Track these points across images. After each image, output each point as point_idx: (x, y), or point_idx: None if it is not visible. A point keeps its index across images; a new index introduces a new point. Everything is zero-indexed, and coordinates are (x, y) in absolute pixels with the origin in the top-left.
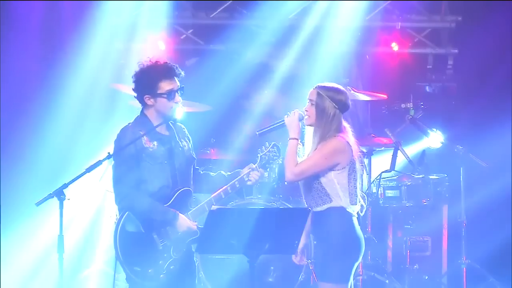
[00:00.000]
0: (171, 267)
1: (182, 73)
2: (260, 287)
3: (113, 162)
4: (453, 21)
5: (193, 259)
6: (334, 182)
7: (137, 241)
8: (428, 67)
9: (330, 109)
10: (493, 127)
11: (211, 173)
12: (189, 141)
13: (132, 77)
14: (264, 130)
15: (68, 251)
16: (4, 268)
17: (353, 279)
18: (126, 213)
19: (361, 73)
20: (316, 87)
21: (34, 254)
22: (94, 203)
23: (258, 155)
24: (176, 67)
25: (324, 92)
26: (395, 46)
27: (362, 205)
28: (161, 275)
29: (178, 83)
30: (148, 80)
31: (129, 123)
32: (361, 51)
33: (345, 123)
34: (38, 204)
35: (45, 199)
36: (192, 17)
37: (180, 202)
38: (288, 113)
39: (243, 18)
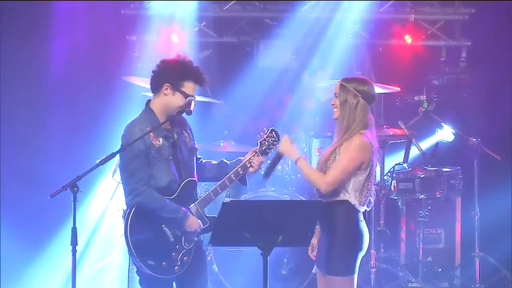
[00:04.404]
0: (185, 258)
1: (206, 88)
2: (273, 280)
3: (121, 158)
4: (466, 13)
5: (202, 247)
6: (350, 178)
7: (148, 234)
8: (441, 59)
9: (352, 98)
10: (506, 119)
11: (213, 161)
12: (191, 132)
13: (163, 60)
14: (269, 171)
15: (82, 244)
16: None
17: (367, 272)
18: (134, 207)
19: (374, 65)
20: (340, 80)
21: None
22: (107, 196)
23: (258, 141)
24: (206, 80)
25: (346, 83)
26: (408, 39)
27: (369, 200)
28: (176, 267)
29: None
30: (178, 72)
31: (135, 118)
32: (374, 44)
33: (372, 121)
34: (51, 196)
35: (59, 191)
36: (205, 9)
37: (186, 193)
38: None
39: (255, 11)
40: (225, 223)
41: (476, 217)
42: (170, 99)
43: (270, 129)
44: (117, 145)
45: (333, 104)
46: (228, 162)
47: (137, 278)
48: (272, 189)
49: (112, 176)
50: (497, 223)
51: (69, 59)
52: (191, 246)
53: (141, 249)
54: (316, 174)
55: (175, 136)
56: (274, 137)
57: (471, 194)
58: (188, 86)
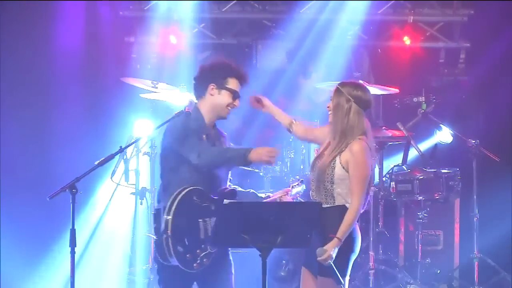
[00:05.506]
0: (204, 260)
1: (247, 83)
2: (272, 281)
3: (172, 135)
4: (465, 15)
5: (228, 258)
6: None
7: (188, 221)
8: (440, 60)
9: (344, 103)
10: (505, 120)
11: (239, 188)
12: None
13: (202, 66)
14: None
15: (82, 245)
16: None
17: (365, 273)
18: (187, 190)
19: (373, 66)
20: (337, 84)
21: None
22: (107, 198)
23: (291, 184)
24: (248, 77)
25: (341, 87)
26: (407, 40)
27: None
28: (195, 264)
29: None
30: (220, 71)
31: (183, 116)
32: (373, 45)
33: (368, 125)
34: (50, 197)
35: (57, 192)
36: (204, 11)
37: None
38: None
39: (254, 12)
40: (224, 225)
41: (475, 218)
42: (216, 99)
43: (300, 179)
44: (115, 146)
45: (328, 107)
46: (258, 194)
47: (136, 281)
48: (271, 190)
49: (111, 178)
50: (495, 225)
51: (68, 60)
52: (214, 251)
53: (177, 232)
54: (351, 218)
55: (217, 143)
56: (301, 187)
57: (469, 195)
58: (232, 82)
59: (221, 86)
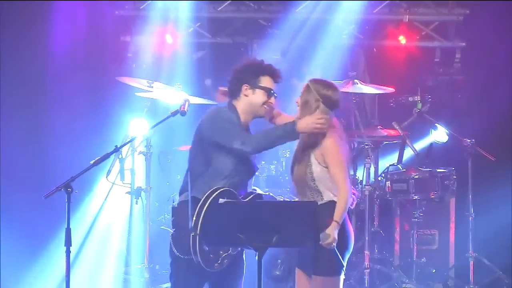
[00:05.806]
0: (225, 261)
1: (281, 81)
2: (268, 280)
3: (213, 127)
4: (461, 14)
5: (242, 258)
6: (329, 179)
7: (217, 220)
8: (435, 60)
9: (313, 101)
10: (500, 120)
11: (257, 189)
12: None
13: (234, 68)
14: None
15: (78, 245)
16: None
17: (360, 272)
18: (220, 190)
19: (369, 66)
20: (308, 80)
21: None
22: (102, 198)
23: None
24: (280, 73)
25: (312, 84)
26: (402, 39)
27: (352, 197)
28: (216, 264)
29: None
30: (252, 71)
31: (222, 107)
32: (369, 44)
33: (337, 122)
34: (46, 196)
35: (53, 192)
36: (200, 10)
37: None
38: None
39: (250, 12)
40: (220, 224)
41: (470, 218)
42: (251, 99)
43: None
44: (111, 146)
45: (297, 102)
46: (276, 197)
47: (131, 280)
48: (266, 189)
49: (106, 177)
50: (491, 224)
51: (64, 60)
52: (235, 252)
53: (206, 230)
54: (343, 203)
55: None
56: None
57: (465, 194)
58: (265, 80)
59: (254, 86)
